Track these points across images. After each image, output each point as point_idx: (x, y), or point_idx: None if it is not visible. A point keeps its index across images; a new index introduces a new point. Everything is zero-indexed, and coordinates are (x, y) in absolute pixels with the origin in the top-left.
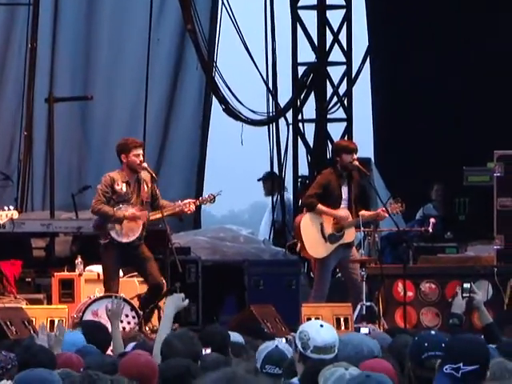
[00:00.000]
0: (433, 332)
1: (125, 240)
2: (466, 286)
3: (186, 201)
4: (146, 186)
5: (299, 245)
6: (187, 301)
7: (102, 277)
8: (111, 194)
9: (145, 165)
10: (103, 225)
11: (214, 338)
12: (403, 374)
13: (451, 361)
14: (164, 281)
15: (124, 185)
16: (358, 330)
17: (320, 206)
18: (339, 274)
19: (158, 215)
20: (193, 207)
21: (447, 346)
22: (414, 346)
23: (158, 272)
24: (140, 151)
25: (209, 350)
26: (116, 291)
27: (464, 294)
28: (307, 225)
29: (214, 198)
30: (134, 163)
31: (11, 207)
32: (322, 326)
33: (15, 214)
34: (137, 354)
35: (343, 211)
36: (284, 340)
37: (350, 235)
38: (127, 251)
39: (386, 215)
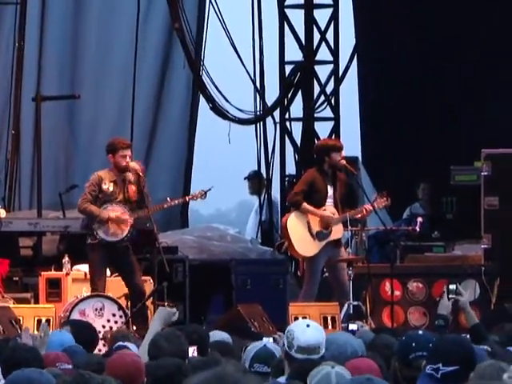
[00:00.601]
0: (420, 332)
1: (113, 239)
2: (452, 287)
3: (168, 199)
4: (133, 186)
5: (287, 244)
6: (177, 315)
7: (89, 276)
8: (98, 192)
9: (133, 164)
10: (90, 225)
11: (192, 337)
12: (388, 373)
13: (431, 361)
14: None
15: (111, 184)
16: (347, 326)
17: (305, 205)
18: (326, 274)
19: (143, 214)
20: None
21: (429, 346)
22: (401, 345)
23: (141, 280)
24: (127, 152)
25: (195, 348)
26: (102, 290)
27: (450, 296)
28: (294, 224)
29: (205, 193)
30: (120, 164)
31: None
32: (308, 325)
33: (2, 213)
34: (123, 354)
35: (330, 209)
36: (271, 339)
37: (338, 232)
38: (114, 251)
39: (371, 208)
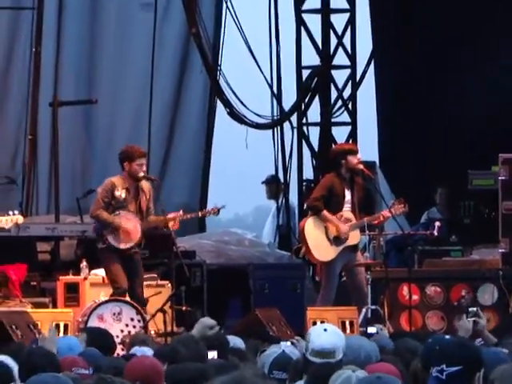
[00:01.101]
0: (447, 336)
1: (122, 246)
2: (473, 309)
3: (170, 215)
4: (144, 197)
5: (304, 249)
6: (216, 329)
7: (107, 280)
8: (110, 199)
9: (141, 174)
10: (101, 230)
11: (213, 343)
12: (408, 376)
13: (436, 363)
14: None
15: (124, 191)
16: (365, 329)
17: (325, 213)
18: (344, 278)
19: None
20: (177, 226)
21: (433, 349)
22: (425, 348)
23: (142, 290)
24: (144, 161)
25: (214, 353)
26: (125, 288)
27: (469, 319)
28: (311, 229)
29: (218, 210)
30: (137, 173)
31: (16, 212)
32: (325, 330)
33: (20, 219)
34: (142, 358)
35: (347, 214)
36: (289, 343)
37: (355, 237)
38: (124, 257)
39: (388, 214)
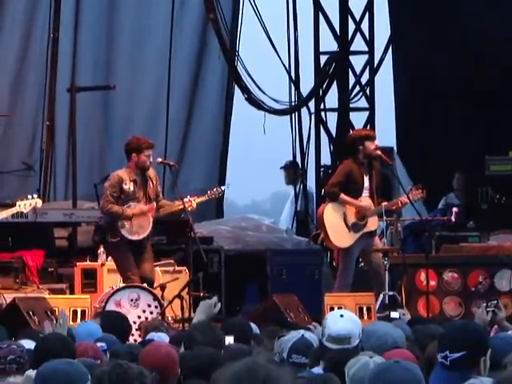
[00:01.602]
0: (461, 321)
1: (135, 238)
2: (492, 302)
3: (186, 198)
4: (151, 184)
5: (323, 235)
6: (218, 306)
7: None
8: (119, 193)
9: (159, 160)
10: (112, 223)
11: (235, 328)
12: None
13: (440, 349)
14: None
15: (132, 184)
16: (388, 314)
17: (343, 196)
18: (362, 264)
19: (168, 209)
20: (194, 205)
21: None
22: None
23: (152, 269)
24: (151, 152)
25: (231, 338)
26: (137, 281)
27: (488, 309)
28: (330, 215)
29: (222, 191)
30: (145, 163)
31: (35, 196)
32: (342, 315)
33: (39, 203)
34: (157, 345)
35: (365, 200)
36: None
37: (373, 223)
38: (135, 248)
39: (406, 200)
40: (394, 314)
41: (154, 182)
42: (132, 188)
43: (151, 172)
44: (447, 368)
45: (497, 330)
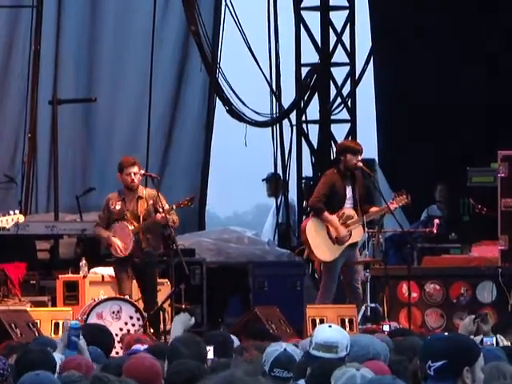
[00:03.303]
0: (446, 333)
1: (122, 255)
2: (481, 314)
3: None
4: (145, 203)
5: (307, 250)
6: (193, 319)
7: (106, 279)
8: (107, 214)
9: (149, 190)
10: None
11: (216, 340)
12: (406, 373)
13: (423, 361)
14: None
15: (119, 203)
16: (381, 327)
17: (325, 215)
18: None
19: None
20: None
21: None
22: (425, 345)
23: (152, 297)
24: (132, 169)
25: (211, 348)
26: (128, 294)
27: (476, 320)
28: (313, 228)
29: (192, 199)
30: (126, 181)
31: (17, 211)
32: (330, 326)
33: (21, 218)
34: (141, 358)
35: (348, 211)
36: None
37: (358, 234)
38: (135, 267)
39: (396, 206)
40: (386, 327)
41: (150, 202)
42: (119, 207)
43: (147, 191)
44: (432, 378)
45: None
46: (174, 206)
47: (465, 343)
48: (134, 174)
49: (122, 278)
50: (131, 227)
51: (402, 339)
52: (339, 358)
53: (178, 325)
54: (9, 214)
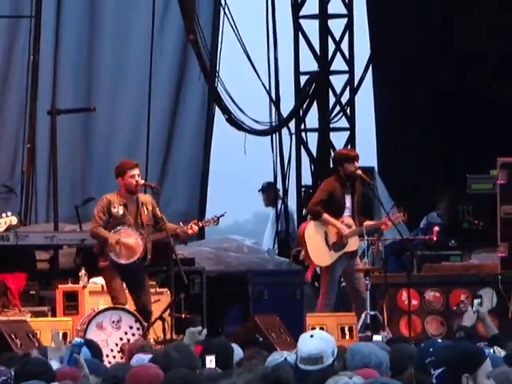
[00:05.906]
0: (439, 340)
1: (123, 261)
2: (477, 300)
3: (189, 224)
4: (145, 209)
5: (303, 253)
6: (205, 332)
7: (106, 289)
8: (108, 216)
9: (143, 196)
10: (103, 247)
11: (216, 349)
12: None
13: (427, 367)
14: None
15: (121, 207)
16: (370, 338)
17: (325, 216)
18: (344, 284)
19: (159, 235)
20: (196, 228)
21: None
22: (419, 351)
23: (150, 301)
24: (135, 171)
25: (212, 357)
26: (124, 303)
27: (474, 308)
28: (311, 233)
29: (218, 219)
30: (131, 184)
31: (9, 213)
32: (311, 336)
33: (14, 220)
34: (145, 367)
35: (347, 220)
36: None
37: (354, 244)
38: (127, 271)
39: (389, 225)
40: (377, 338)
41: (150, 209)
42: (121, 212)
43: (146, 198)
44: None
45: None
46: (200, 225)
47: (464, 350)
48: (138, 175)
49: (117, 286)
50: (138, 235)
51: (398, 347)
52: (328, 365)
53: (187, 342)
54: (1, 217)
